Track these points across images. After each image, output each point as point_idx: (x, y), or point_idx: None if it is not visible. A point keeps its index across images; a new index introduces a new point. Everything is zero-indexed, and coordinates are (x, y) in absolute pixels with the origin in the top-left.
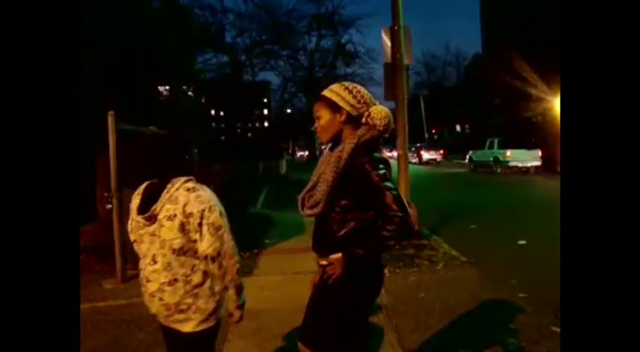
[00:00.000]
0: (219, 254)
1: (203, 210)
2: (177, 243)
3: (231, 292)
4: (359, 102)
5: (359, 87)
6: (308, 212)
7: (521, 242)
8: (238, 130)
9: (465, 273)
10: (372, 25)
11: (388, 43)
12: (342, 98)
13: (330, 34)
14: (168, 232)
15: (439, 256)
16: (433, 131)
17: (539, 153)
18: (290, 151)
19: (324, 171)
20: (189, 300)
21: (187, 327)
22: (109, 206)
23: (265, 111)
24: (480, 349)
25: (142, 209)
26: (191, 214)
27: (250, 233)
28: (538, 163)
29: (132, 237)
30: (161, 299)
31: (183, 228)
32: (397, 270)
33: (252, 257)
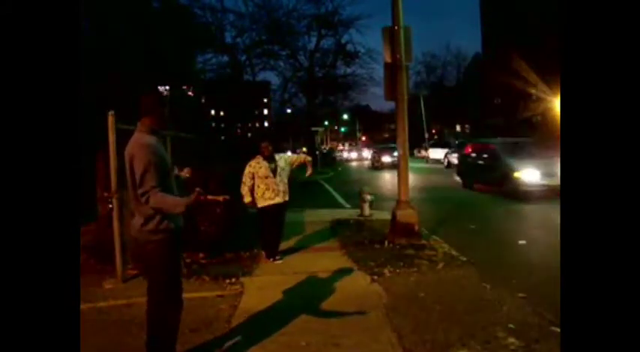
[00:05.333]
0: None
1: (285, 158)
2: (287, 173)
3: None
4: None
5: None
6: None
7: (522, 242)
8: (238, 130)
9: (464, 273)
10: (372, 25)
11: (388, 43)
12: None
13: (330, 34)
14: (285, 166)
15: (439, 256)
16: (433, 131)
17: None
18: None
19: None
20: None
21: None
22: (110, 206)
23: (265, 111)
24: (480, 349)
25: (269, 162)
26: (283, 160)
27: (250, 232)
28: None
29: (264, 173)
30: (284, 192)
31: (289, 163)
32: (397, 270)
33: (252, 257)
